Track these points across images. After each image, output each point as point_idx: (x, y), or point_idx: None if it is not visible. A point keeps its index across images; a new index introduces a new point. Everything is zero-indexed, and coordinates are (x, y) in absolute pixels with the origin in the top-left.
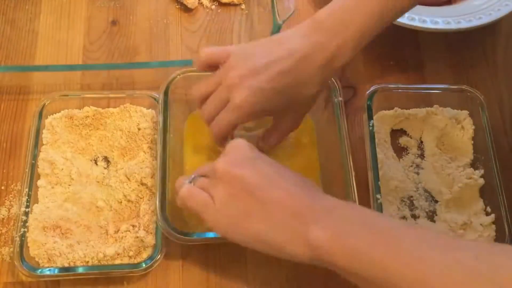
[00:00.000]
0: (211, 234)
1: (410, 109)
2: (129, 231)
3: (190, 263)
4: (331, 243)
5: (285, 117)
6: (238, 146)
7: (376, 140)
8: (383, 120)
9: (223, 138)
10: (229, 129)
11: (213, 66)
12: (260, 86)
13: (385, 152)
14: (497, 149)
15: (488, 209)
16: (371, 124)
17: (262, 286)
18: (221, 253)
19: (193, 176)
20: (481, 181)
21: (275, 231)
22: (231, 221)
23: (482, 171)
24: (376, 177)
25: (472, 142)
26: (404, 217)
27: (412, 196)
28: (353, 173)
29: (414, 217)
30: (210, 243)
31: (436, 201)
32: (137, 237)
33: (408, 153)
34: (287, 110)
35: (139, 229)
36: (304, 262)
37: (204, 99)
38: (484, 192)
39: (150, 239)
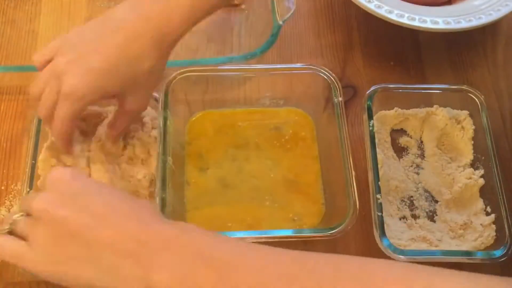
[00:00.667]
0: None
1: (410, 109)
2: None
3: None
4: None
5: (127, 97)
6: (60, 179)
7: (376, 140)
8: (383, 120)
9: (66, 140)
10: (68, 123)
11: None
12: (89, 68)
13: (385, 152)
14: (497, 149)
15: (488, 209)
16: (371, 124)
17: None
18: None
19: (16, 216)
20: (481, 181)
21: (108, 277)
22: (57, 269)
23: (482, 171)
24: (376, 177)
25: (472, 142)
26: (404, 217)
27: (412, 196)
28: (353, 173)
29: (414, 217)
30: None
31: (436, 201)
32: None
33: (408, 153)
34: (127, 89)
35: None
36: None
37: (40, 96)
38: (484, 192)
39: None
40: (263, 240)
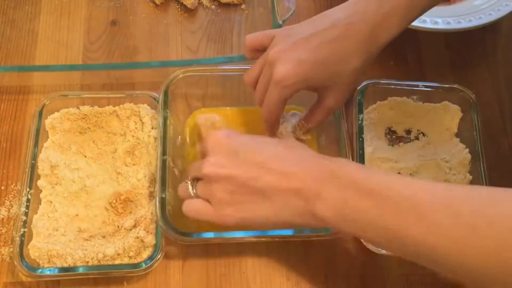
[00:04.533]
0: (211, 234)
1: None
2: (129, 230)
3: (190, 263)
4: (337, 217)
5: (328, 93)
6: (217, 142)
7: (373, 133)
8: (382, 114)
9: (272, 123)
10: (277, 108)
11: (260, 51)
12: (300, 58)
13: (376, 144)
14: (497, 149)
15: None
16: (360, 118)
17: (262, 286)
18: (221, 253)
19: (189, 182)
20: (468, 180)
21: (282, 213)
22: (237, 216)
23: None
24: None
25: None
26: None
27: None
28: None
29: None
30: (210, 243)
31: None
32: (137, 237)
33: (400, 142)
34: (330, 84)
35: (139, 229)
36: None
37: (255, 83)
38: None
39: (150, 239)
40: (263, 239)
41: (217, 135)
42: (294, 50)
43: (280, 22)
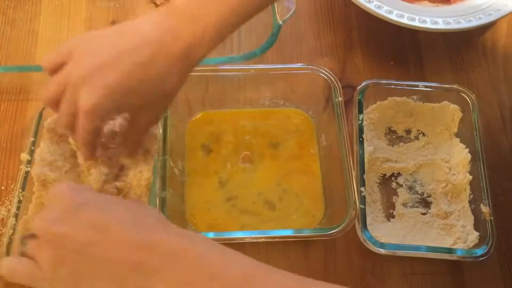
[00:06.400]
0: (211, 234)
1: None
2: None
3: None
4: None
5: (142, 115)
6: (58, 195)
7: (373, 132)
8: (382, 113)
9: (91, 149)
10: (92, 136)
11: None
12: (107, 85)
13: (376, 144)
14: (497, 149)
15: (472, 207)
16: (360, 118)
17: None
18: None
19: (20, 236)
20: (467, 180)
21: None
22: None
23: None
24: (362, 170)
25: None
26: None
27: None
28: (353, 173)
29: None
30: None
31: (422, 193)
32: None
33: (400, 142)
34: (144, 107)
35: None
36: None
37: (54, 102)
38: (471, 192)
39: None
40: (263, 240)
41: (61, 186)
42: (100, 74)
43: (280, 22)
